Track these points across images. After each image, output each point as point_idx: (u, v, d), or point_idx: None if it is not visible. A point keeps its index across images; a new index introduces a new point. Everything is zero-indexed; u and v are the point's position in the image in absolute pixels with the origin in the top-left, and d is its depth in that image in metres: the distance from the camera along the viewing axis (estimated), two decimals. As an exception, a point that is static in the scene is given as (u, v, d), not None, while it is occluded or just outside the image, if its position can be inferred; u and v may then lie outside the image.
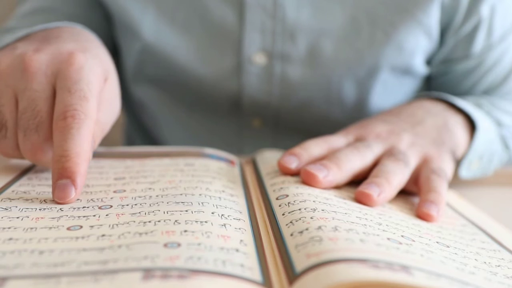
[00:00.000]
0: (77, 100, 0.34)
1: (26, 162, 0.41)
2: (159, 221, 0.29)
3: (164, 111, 0.63)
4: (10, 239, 0.27)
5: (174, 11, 0.56)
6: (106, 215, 0.31)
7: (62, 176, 0.32)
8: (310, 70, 0.56)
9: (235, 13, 0.55)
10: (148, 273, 0.23)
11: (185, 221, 0.29)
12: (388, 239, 0.29)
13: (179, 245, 0.26)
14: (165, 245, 0.26)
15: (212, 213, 0.31)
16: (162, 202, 0.33)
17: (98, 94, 0.36)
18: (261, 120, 0.61)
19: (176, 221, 0.29)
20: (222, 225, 0.30)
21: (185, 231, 0.28)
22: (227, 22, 0.55)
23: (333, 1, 0.54)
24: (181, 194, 0.34)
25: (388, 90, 0.58)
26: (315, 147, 0.41)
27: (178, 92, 0.61)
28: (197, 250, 0.26)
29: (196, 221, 0.29)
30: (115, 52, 0.65)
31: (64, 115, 0.33)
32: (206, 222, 0.30)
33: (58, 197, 0.32)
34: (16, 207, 0.32)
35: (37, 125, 0.34)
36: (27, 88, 0.35)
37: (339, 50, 0.55)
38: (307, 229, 0.29)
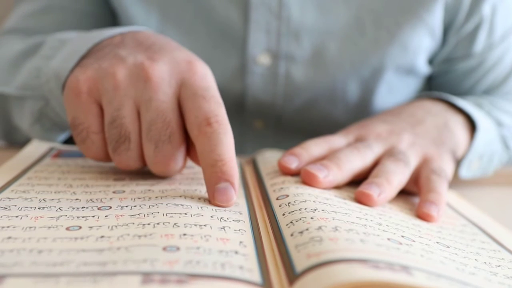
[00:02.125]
0: (215, 106, 0.34)
1: (26, 162, 0.41)
2: (158, 223, 0.29)
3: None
4: (9, 238, 0.27)
5: (178, 12, 0.56)
6: (105, 216, 0.31)
7: (221, 180, 0.33)
8: (314, 71, 0.56)
9: (240, 13, 0.55)
10: (147, 277, 0.23)
11: (184, 224, 0.29)
12: (389, 239, 0.29)
13: (178, 249, 0.26)
14: (164, 248, 0.26)
15: (211, 216, 0.31)
16: (161, 204, 0.33)
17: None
18: (263, 121, 0.61)
19: (175, 224, 0.29)
20: (221, 228, 0.30)
21: (184, 234, 0.28)
22: (232, 23, 0.55)
23: (338, 1, 0.54)
24: (180, 197, 0.34)
25: (392, 90, 0.58)
26: (315, 147, 0.41)
27: None
28: (196, 254, 0.26)
29: (195, 225, 0.29)
30: None
31: (208, 121, 0.34)
32: (205, 225, 0.30)
33: (220, 201, 0.33)
34: (16, 206, 0.32)
35: (169, 135, 0.35)
36: (153, 99, 0.35)
37: (344, 50, 0.55)
38: (307, 229, 0.29)
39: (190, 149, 0.37)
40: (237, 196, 0.34)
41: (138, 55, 0.36)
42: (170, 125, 0.35)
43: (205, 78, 0.36)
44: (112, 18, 0.59)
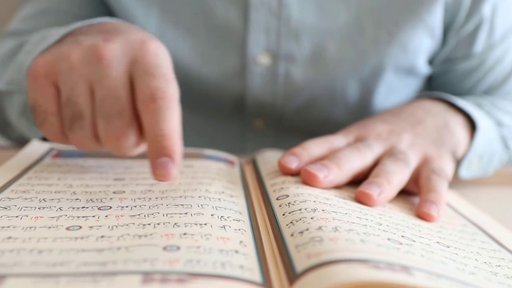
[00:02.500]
0: (162, 83, 0.35)
1: (26, 162, 0.41)
2: (158, 223, 0.29)
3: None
4: (9, 238, 0.27)
5: (178, 12, 0.56)
6: (106, 216, 0.31)
7: (162, 154, 0.33)
8: (314, 71, 0.56)
9: (240, 13, 0.55)
10: (147, 276, 0.23)
11: (185, 223, 0.29)
12: (389, 239, 0.29)
13: (178, 248, 0.26)
14: (165, 248, 0.26)
15: (212, 215, 0.31)
16: (162, 204, 0.33)
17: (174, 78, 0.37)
18: (264, 120, 0.61)
19: (175, 223, 0.29)
20: (222, 227, 0.30)
21: (185, 234, 0.28)
22: (232, 23, 0.55)
23: (338, 1, 0.54)
24: (180, 197, 0.34)
25: (391, 90, 0.58)
26: (316, 147, 0.41)
27: (181, 93, 0.60)
28: (196, 253, 0.26)
29: (196, 224, 0.29)
30: None
31: (154, 97, 0.34)
32: (205, 224, 0.30)
33: (159, 175, 0.33)
34: (16, 206, 0.32)
35: (120, 111, 0.35)
36: (104, 76, 0.35)
37: (343, 50, 0.55)
38: (307, 229, 0.29)
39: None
40: (178, 171, 0.33)
41: (95, 38, 0.37)
42: (120, 101, 0.35)
43: (157, 56, 0.36)
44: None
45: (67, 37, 0.40)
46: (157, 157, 0.33)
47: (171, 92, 0.35)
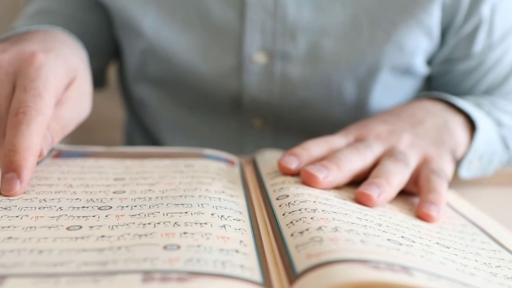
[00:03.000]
0: (30, 97, 0.35)
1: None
2: (158, 223, 0.29)
3: (164, 110, 0.63)
4: (10, 238, 0.27)
5: (174, 11, 0.56)
6: (106, 216, 0.31)
7: (9, 170, 0.33)
8: (310, 69, 0.56)
9: (236, 12, 0.55)
10: (147, 275, 0.23)
11: (185, 223, 0.29)
12: (389, 240, 0.29)
13: (178, 247, 0.26)
14: (165, 247, 0.26)
15: (212, 214, 0.31)
16: (162, 204, 0.33)
17: (56, 92, 0.37)
18: (262, 119, 0.61)
19: (175, 223, 0.29)
20: (222, 226, 0.30)
21: (185, 233, 0.28)
22: (228, 21, 0.55)
23: (334, 0, 0.54)
24: (180, 196, 0.34)
25: (388, 90, 0.58)
26: (315, 147, 0.41)
27: (178, 91, 0.61)
28: (196, 252, 0.26)
29: (196, 223, 0.29)
30: (118, 53, 0.65)
31: (17, 111, 0.34)
32: (205, 223, 0.30)
33: (4, 190, 0.33)
34: (16, 206, 0.32)
35: None
36: None
37: (340, 49, 0.55)
38: (307, 229, 0.29)
39: None
40: (23, 187, 0.33)
41: None
42: None
43: (39, 69, 0.37)
44: (105, 23, 0.60)
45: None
46: (5, 172, 0.33)
47: (36, 107, 0.35)
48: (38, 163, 0.41)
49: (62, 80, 0.38)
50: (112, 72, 0.71)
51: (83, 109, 0.42)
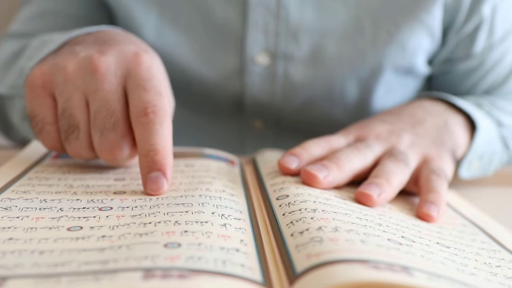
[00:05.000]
0: (154, 97, 0.35)
1: (26, 162, 0.41)
2: (159, 222, 0.29)
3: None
4: (10, 239, 0.27)
5: (177, 12, 0.56)
6: (107, 216, 0.31)
7: (153, 169, 0.34)
8: (313, 70, 0.56)
9: (238, 13, 0.55)
10: (148, 272, 0.23)
11: (185, 221, 0.29)
12: (389, 239, 0.29)
13: (179, 245, 0.26)
14: (166, 245, 0.26)
15: (212, 213, 0.31)
16: (162, 204, 0.33)
17: (168, 89, 0.38)
18: (263, 121, 0.61)
19: (176, 222, 0.29)
20: (223, 225, 0.30)
21: (185, 231, 0.28)
22: (230, 22, 0.55)
23: (336, 1, 0.54)
24: (181, 196, 0.34)
25: (390, 90, 0.58)
26: (316, 147, 0.41)
27: (180, 93, 0.61)
28: (197, 250, 0.26)
29: (197, 222, 0.29)
30: None
31: (145, 111, 0.35)
32: (206, 222, 0.30)
33: (151, 189, 0.34)
34: (16, 206, 0.32)
35: (113, 124, 0.36)
36: (98, 89, 0.36)
37: (342, 50, 0.55)
38: (307, 229, 0.29)
39: None
40: (168, 185, 0.35)
41: (90, 50, 0.38)
42: (115, 114, 0.36)
43: (149, 69, 0.37)
44: (108, 21, 0.60)
45: (65, 45, 0.41)
46: (148, 172, 0.34)
47: (162, 106, 0.35)
48: (38, 163, 0.41)
49: (166, 79, 0.39)
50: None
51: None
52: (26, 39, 0.55)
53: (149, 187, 0.34)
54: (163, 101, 0.36)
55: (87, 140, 0.37)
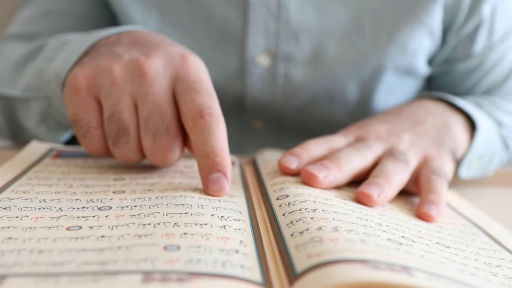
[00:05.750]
0: (207, 99, 0.36)
1: (26, 162, 0.41)
2: (158, 223, 0.29)
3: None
4: (10, 238, 0.27)
5: (177, 13, 0.56)
6: (106, 216, 0.31)
7: (214, 170, 0.34)
8: (313, 71, 0.56)
9: (239, 14, 0.55)
10: (147, 275, 0.23)
11: (185, 223, 0.29)
12: (389, 239, 0.29)
13: (178, 247, 0.26)
14: (165, 247, 0.26)
15: (212, 215, 0.31)
16: (162, 204, 0.33)
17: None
18: (263, 121, 0.61)
19: (175, 223, 0.29)
20: (222, 227, 0.30)
21: (185, 233, 0.28)
22: (231, 23, 0.55)
23: (337, 1, 0.54)
24: (180, 196, 0.34)
25: (391, 91, 0.58)
26: (316, 147, 0.41)
27: None
28: (196, 253, 0.26)
29: (196, 224, 0.29)
30: None
31: (201, 113, 0.35)
32: (205, 224, 0.30)
33: (213, 191, 0.34)
34: (16, 206, 0.32)
35: (166, 128, 0.36)
36: (148, 93, 0.36)
37: (343, 51, 0.55)
38: (307, 229, 0.29)
39: (186, 140, 0.38)
40: (229, 186, 0.35)
41: (134, 52, 0.37)
42: (167, 117, 0.36)
43: (198, 71, 0.37)
44: (111, 21, 0.60)
45: (98, 46, 0.40)
46: (209, 173, 0.34)
47: (216, 108, 0.36)
48: (37, 163, 0.41)
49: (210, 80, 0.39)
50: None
51: None
52: (30, 40, 0.54)
53: (211, 188, 0.34)
54: (216, 103, 0.36)
55: (136, 144, 0.37)
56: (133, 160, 0.38)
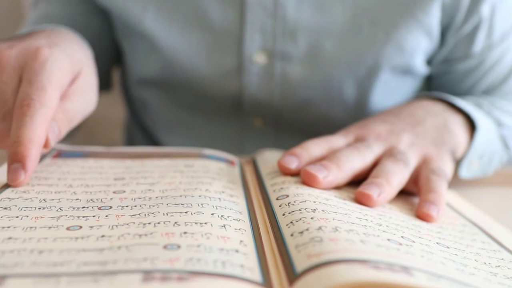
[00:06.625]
0: (34, 90, 0.36)
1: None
2: (158, 222, 0.29)
3: (165, 110, 0.63)
4: (10, 238, 0.27)
5: (174, 12, 0.56)
6: (106, 216, 0.31)
7: (14, 161, 0.34)
8: (310, 70, 0.56)
9: (236, 13, 0.55)
10: (147, 275, 0.23)
11: (185, 222, 0.29)
12: (389, 240, 0.29)
13: (178, 247, 0.26)
14: (165, 247, 0.26)
15: (212, 214, 0.31)
16: (162, 203, 0.33)
17: (60, 85, 0.38)
18: (263, 119, 0.61)
19: (175, 222, 0.29)
20: (222, 226, 0.30)
21: (185, 232, 0.28)
22: (228, 22, 0.55)
23: (334, 0, 0.54)
24: (180, 196, 0.34)
25: (388, 90, 0.58)
26: (315, 147, 0.41)
27: (179, 92, 0.61)
28: (196, 252, 0.26)
29: (196, 223, 0.29)
30: (119, 56, 0.65)
31: (21, 104, 0.36)
32: (205, 223, 0.30)
33: (9, 180, 0.34)
34: (16, 206, 0.32)
35: (4, 114, 0.37)
36: None
37: (340, 50, 0.55)
38: (307, 229, 0.29)
39: None
40: (27, 178, 0.34)
41: (5, 44, 0.40)
42: (7, 104, 0.37)
43: (44, 63, 0.38)
44: (106, 26, 0.61)
45: (15, 37, 0.42)
46: (10, 162, 0.35)
47: (40, 100, 0.36)
48: (43, 156, 0.41)
49: (66, 74, 0.39)
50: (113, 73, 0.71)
51: (89, 102, 0.43)
52: None
53: (8, 177, 0.34)
54: (43, 96, 0.36)
55: None
56: None
